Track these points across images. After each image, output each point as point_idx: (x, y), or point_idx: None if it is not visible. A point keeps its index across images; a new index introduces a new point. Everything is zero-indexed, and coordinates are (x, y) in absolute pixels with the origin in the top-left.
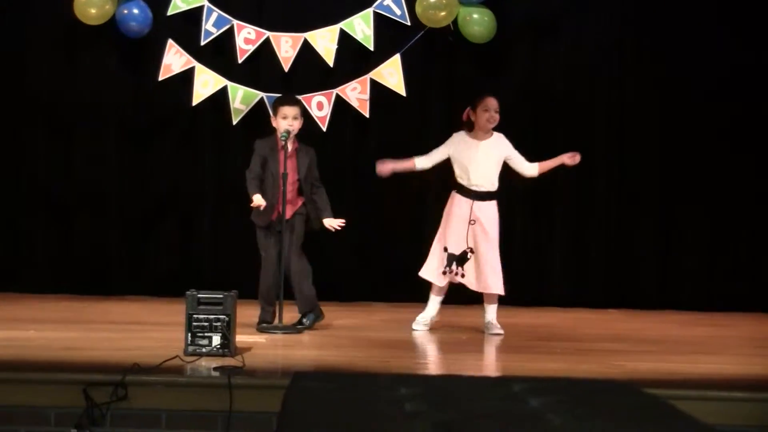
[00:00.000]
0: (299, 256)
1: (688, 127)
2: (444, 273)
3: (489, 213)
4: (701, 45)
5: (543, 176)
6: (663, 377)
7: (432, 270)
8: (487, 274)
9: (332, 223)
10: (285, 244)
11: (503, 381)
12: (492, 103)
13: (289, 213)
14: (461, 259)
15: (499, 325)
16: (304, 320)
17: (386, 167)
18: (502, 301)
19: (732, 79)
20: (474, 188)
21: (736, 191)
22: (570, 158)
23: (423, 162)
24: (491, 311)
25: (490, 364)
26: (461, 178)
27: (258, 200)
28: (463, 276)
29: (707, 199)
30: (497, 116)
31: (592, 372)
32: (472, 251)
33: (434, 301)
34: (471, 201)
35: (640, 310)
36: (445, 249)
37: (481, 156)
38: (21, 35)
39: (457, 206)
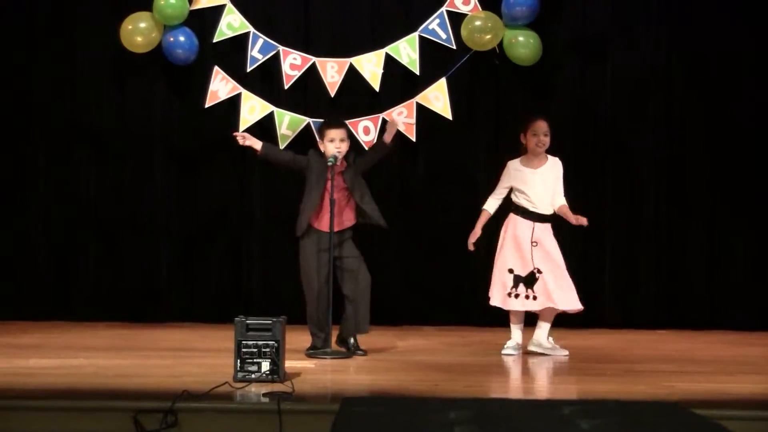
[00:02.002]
0: (365, 270)
1: (738, 145)
2: (509, 295)
3: (548, 234)
4: (750, 65)
5: (592, 196)
6: (713, 398)
7: (499, 296)
8: (565, 292)
9: (396, 122)
10: (349, 266)
11: (553, 404)
12: (540, 126)
13: (336, 227)
14: (529, 281)
15: (550, 345)
16: (352, 342)
17: (474, 237)
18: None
19: None
20: (534, 210)
21: None
22: (576, 220)
23: (493, 205)
24: (546, 330)
25: (540, 386)
26: (521, 201)
27: (247, 136)
28: (535, 299)
29: (758, 219)
30: (546, 139)
31: (642, 393)
32: (539, 271)
33: (515, 329)
34: (532, 223)
35: (691, 331)
36: (511, 270)
37: (538, 180)
38: (70, 64)
39: (518, 228)
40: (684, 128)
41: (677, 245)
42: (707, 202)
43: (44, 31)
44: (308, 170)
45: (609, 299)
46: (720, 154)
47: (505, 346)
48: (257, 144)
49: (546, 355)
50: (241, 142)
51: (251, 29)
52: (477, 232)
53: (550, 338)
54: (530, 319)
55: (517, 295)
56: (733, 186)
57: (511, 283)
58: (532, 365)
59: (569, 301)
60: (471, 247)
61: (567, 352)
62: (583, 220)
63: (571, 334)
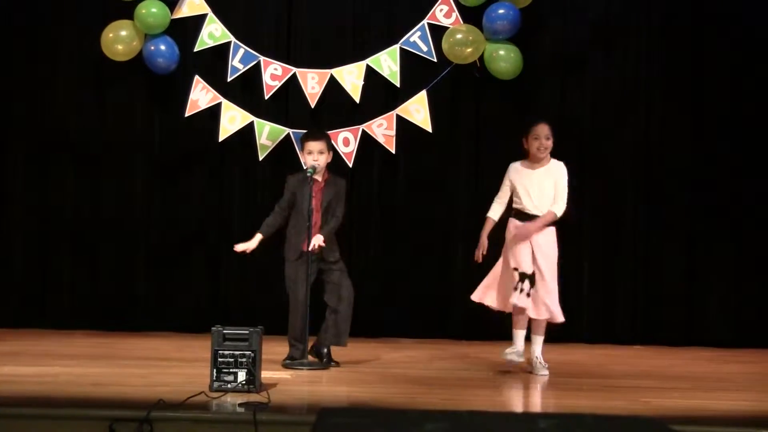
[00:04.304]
0: (348, 283)
1: (717, 160)
2: (515, 289)
3: (544, 238)
4: (729, 78)
5: (569, 211)
6: (690, 414)
7: (479, 293)
8: (540, 301)
9: (314, 241)
10: (333, 279)
11: (529, 417)
12: (542, 130)
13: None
14: (532, 279)
15: (546, 364)
16: (325, 353)
17: (481, 247)
18: (528, 337)
19: (762, 109)
20: (529, 212)
21: (767, 226)
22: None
23: (497, 211)
24: (537, 344)
25: (517, 400)
26: (518, 203)
27: (244, 245)
28: (528, 296)
29: (736, 234)
30: (548, 143)
31: (618, 408)
32: (535, 274)
33: (517, 336)
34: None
35: (668, 347)
36: (515, 269)
37: (536, 183)
38: (49, 72)
39: (516, 230)
40: (664, 143)
41: (655, 261)
42: (686, 218)
43: (24, 38)
44: (294, 193)
45: (587, 314)
46: (700, 170)
47: (507, 352)
48: (255, 240)
49: (545, 375)
50: (249, 251)
51: (232, 39)
52: (483, 242)
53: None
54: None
55: (522, 290)
56: (712, 202)
57: (517, 278)
58: (510, 379)
59: (542, 311)
60: (479, 259)
61: (547, 373)
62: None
63: (548, 349)
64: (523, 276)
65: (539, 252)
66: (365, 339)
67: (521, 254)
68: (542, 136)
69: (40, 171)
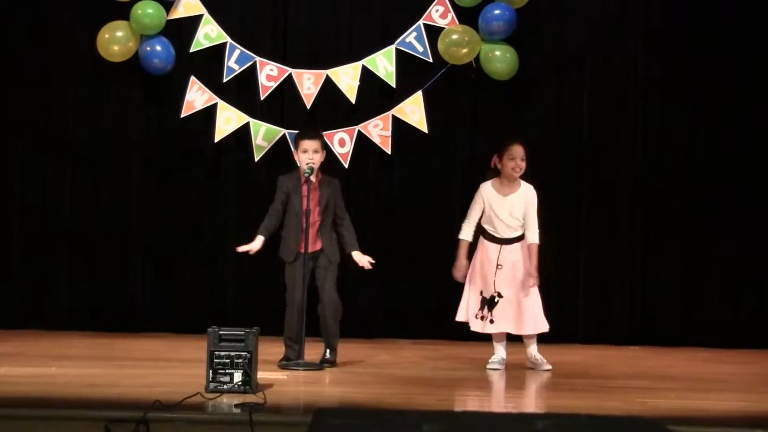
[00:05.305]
0: (334, 291)
1: (714, 161)
2: (476, 316)
3: (516, 256)
4: (727, 79)
5: (568, 212)
6: (687, 414)
7: (463, 313)
8: (522, 316)
9: (361, 259)
10: (319, 278)
11: (527, 418)
12: (518, 151)
13: (317, 246)
14: (490, 304)
15: (545, 359)
16: (328, 355)
17: (462, 269)
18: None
19: (761, 110)
20: (500, 236)
21: (764, 227)
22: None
23: (469, 232)
24: (532, 345)
25: (513, 401)
26: (488, 225)
27: (247, 247)
28: (492, 322)
29: (734, 236)
30: (523, 164)
31: (615, 409)
32: (500, 295)
33: (497, 345)
34: (499, 246)
35: (665, 347)
36: (480, 293)
37: (507, 208)
38: (45, 72)
39: (486, 251)
40: (661, 144)
41: (653, 262)
42: (684, 219)
43: (21, 39)
44: (288, 195)
45: (583, 315)
46: (697, 170)
47: (490, 361)
48: (258, 242)
49: (546, 370)
50: (252, 252)
51: (228, 40)
52: (462, 263)
53: (535, 352)
54: (485, 337)
55: (482, 317)
56: (710, 203)
57: (478, 305)
58: (506, 380)
59: (527, 326)
60: (461, 279)
61: (550, 366)
62: (534, 281)
63: (544, 349)
64: (483, 302)
65: (507, 272)
66: (361, 340)
67: (485, 277)
68: (518, 157)
69: (38, 172)
